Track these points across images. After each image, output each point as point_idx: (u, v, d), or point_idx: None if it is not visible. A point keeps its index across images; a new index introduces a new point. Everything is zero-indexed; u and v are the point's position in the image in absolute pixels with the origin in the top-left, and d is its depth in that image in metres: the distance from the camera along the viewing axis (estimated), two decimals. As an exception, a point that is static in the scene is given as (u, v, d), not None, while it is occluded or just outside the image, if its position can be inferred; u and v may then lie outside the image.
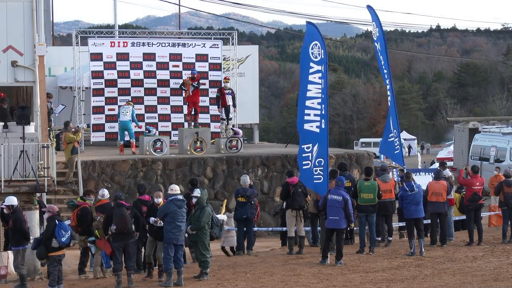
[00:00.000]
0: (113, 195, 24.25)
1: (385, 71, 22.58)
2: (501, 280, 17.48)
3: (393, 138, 22.97)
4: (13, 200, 18.43)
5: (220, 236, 19.26)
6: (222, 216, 20.15)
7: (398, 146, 23.20)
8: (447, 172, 23.93)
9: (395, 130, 22.85)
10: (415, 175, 27.68)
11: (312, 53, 20.65)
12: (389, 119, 23.55)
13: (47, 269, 17.76)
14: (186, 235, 18.27)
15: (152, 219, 18.18)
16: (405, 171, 23.29)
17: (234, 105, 30.35)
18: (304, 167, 20.10)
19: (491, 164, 35.76)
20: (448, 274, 18.23)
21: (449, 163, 48.73)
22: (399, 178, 26.51)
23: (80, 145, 27.86)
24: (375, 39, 22.74)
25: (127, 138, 31.40)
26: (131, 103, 29.90)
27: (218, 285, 17.43)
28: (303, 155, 20.05)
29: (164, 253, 17.54)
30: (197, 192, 18.36)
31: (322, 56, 20.58)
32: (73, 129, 26.65)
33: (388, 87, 22.75)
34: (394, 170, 31.15)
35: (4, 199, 18.73)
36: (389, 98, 22.86)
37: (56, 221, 17.09)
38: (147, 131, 29.33)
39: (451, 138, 66.27)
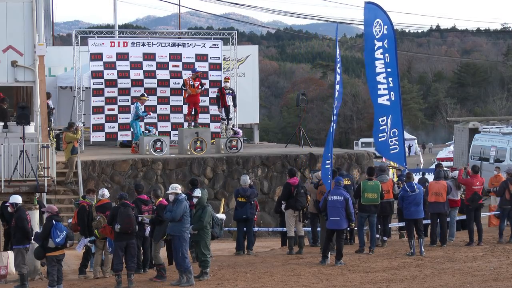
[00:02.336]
0: (113, 195, 24.34)
1: (389, 69, 22.52)
2: (501, 280, 17.48)
3: (386, 138, 22.77)
4: (17, 199, 18.56)
5: (221, 235, 19.24)
6: (221, 215, 20.15)
7: (395, 146, 22.94)
8: (456, 173, 23.83)
9: (394, 129, 22.71)
10: (415, 175, 27.65)
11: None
12: (385, 119, 23.30)
13: (46, 269, 17.77)
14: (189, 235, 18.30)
15: (141, 216, 18.43)
16: (406, 171, 23.24)
17: (235, 105, 30.33)
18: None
19: (491, 164, 35.75)
20: (448, 274, 18.23)
21: (449, 163, 48.76)
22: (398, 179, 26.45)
23: (80, 145, 27.89)
24: (377, 37, 22.71)
25: (128, 138, 31.48)
26: (143, 98, 29.68)
27: (218, 285, 17.43)
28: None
29: (184, 252, 17.60)
30: (197, 192, 18.36)
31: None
32: (73, 129, 26.71)
33: (390, 85, 22.65)
34: (396, 170, 31.07)
35: (9, 198, 18.82)
36: (388, 97, 22.76)
37: (53, 221, 17.11)
38: (147, 131, 29.32)
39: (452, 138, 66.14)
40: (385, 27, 22.53)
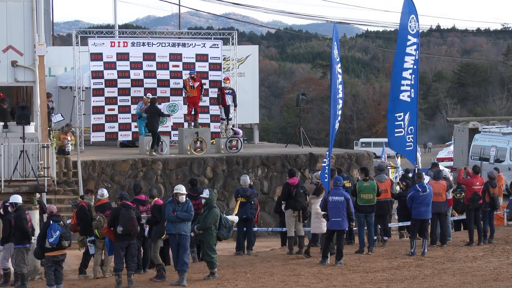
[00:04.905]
0: (113, 195, 24.35)
1: (415, 67, 22.77)
2: (501, 280, 17.49)
3: (404, 134, 22.98)
4: (17, 198, 18.57)
5: (229, 237, 19.15)
6: (233, 217, 20.07)
7: (411, 143, 23.21)
8: (446, 172, 23.88)
9: (411, 127, 22.92)
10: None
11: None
12: (402, 115, 23.39)
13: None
14: (192, 234, 18.33)
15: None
16: (416, 171, 23.23)
17: (235, 105, 30.30)
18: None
19: (491, 164, 35.76)
20: (448, 274, 18.24)
21: (449, 163, 48.73)
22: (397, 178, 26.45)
23: (80, 145, 27.92)
24: (412, 32, 22.96)
25: (128, 138, 31.52)
26: (144, 98, 29.70)
27: (218, 285, 17.44)
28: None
29: (188, 252, 17.69)
30: (206, 193, 18.31)
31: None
32: (72, 129, 26.73)
33: (412, 82, 22.85)
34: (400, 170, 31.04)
35: (9, 198, 18.82)
36: (409, 94, 22.94)
37: (51, 221, 17.13)
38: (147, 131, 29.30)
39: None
40: (417, 24, 22.74)
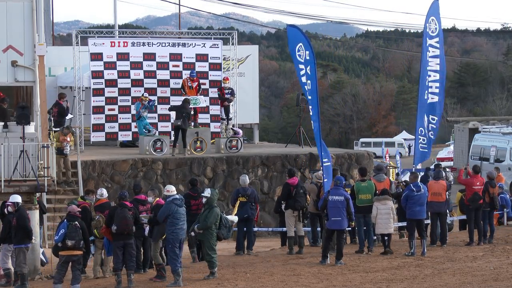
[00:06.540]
0: (113, 195, 24.36)
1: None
2: (501, 280, 17.49)
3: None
4: (18, 198, 18.57)
5: (228, 237, 19.15)
6: (232, 217, 20.05)
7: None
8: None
9: (420, 128, 23.24)
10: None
11: (298, 55, 21.09)
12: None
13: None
14: (193, 233, 18.29)
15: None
16: (412, 171, 23.31)
17: (230, 100, 30.17)
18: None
19: (491, 164, 35.78)
20: (448, 274, 18.24)
21: (449, 163, 48.75)
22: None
23: (80, 145, 27.91)
24: (434, 34, 22.99)
25: (128, 138, 31.54)
26: (141, 97, 29.70)
27: (218, 285, 17.44)
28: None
29: (171, 254, 17.55)
30: (207, 192, 18.28)
31: (307, 57, 20.86)
32: (72, 130, 26.77)
33: (439, 84, 23.11)
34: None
35: (9, 197, 18.83)
36: (432, 95, 23.26)
37: (65, 220, 17.25)
38: (147, 131, 29.32)
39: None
40: (438, 25, 22.64)
